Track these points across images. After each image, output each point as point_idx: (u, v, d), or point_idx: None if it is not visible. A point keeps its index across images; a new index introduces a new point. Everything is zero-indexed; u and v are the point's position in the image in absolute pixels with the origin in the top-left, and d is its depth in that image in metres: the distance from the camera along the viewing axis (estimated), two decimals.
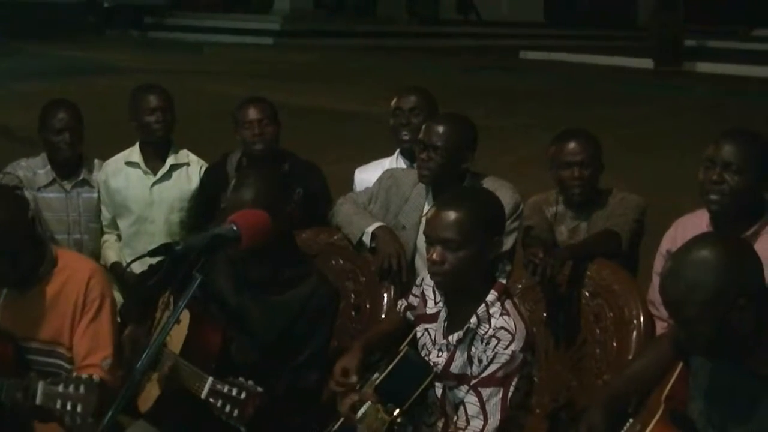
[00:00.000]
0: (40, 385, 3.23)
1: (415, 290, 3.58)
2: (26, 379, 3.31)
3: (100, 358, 3.61)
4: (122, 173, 5.12)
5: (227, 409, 3.16)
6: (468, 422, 3.18)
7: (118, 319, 3.78)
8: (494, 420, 3.16)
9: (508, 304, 3.24)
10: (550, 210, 4.40)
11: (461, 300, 3.27)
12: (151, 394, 3.46)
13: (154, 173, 5.10)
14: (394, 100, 4.84)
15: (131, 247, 5.10)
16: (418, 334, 3.44)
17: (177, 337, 3.44)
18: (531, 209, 4.43)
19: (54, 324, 3.63)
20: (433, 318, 3.40)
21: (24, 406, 3.28)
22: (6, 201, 3.55)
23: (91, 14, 27.61)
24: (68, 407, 3.17)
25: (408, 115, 4.75)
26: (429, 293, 3.45)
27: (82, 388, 3.17)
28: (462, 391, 3.25)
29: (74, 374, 3.29)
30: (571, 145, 4.28)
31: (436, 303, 3.41)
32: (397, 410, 3.22)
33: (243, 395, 3.16)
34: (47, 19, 25.21)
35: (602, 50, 23.90)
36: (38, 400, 3.23)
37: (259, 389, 3.19)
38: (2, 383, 3.33)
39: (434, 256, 3.18)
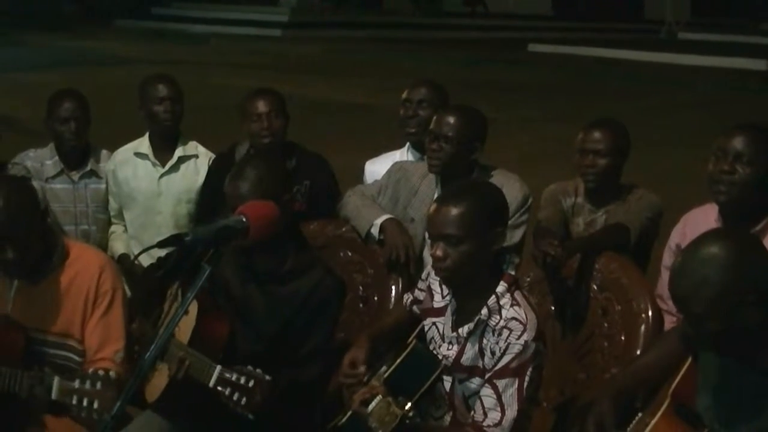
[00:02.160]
0: (56, 380, 3.25)
1: (421, 284, 3.57)
2: (42, 372, 3.32)
3: (113, 351, 3.61)
4: (130, 164, 5.12)
5: (235, 397, 3.16)
6: (485, 415, 3.18)
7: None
8: (512, 411, 3.16)
9: (517, 295, 3.25)
10: (568, 201, 4.38)
11: (469, 293, 3.27)
12: (158, 384, 3.47)
13: (163, 165, 5.09)
14: (405, 92, 4.83)
15: (138, 239, 5.09)
16: (426, 328, 3.44)
17: (185, 327, 3.45)
18: (547, 198, 4.42)
19: (65, 316, 3.63)
20: (440, 312, 3.39)
21: (37, 398, 3.29)
22: (17, 190, 3.55)
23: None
24: (84, 403, 3.18)
25: (416, 107, 4.74)
26: (435, 287, 3.45)
27: (98, 384, 3.18)
28: (473, 384, 3.26)
29: (90, 369, 3.30)
30: (595, 133, 4.25)
31: (443, 296, 3.41)
32: (409, 404, 3.21)
33: (251, 383, 3.16)
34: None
35: (612, 43, 23.88)
36: (53, 395, 3.25)
37: (267, 377, 3.19)
38: (20, 375, 3.35)
39: (437, 252, 3.18)
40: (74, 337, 3.64)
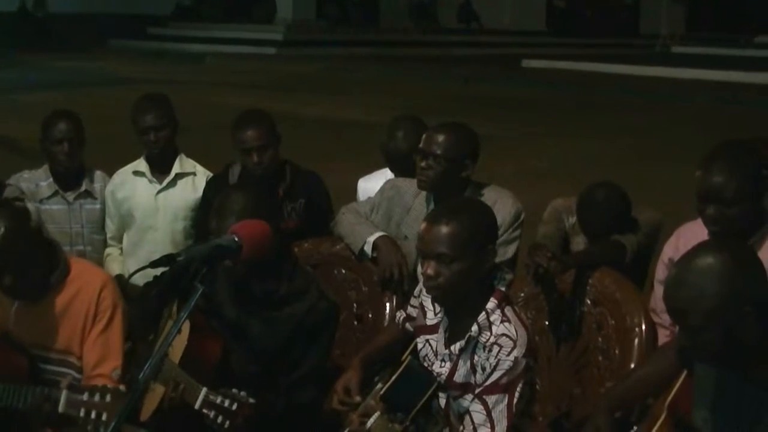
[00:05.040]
0: (64, 393, 3.25)
1: (414, 301, 3.57)
2: (48, 387, 3.33)
3: (110, 368, 3.62)
4: (129, 183, 5.12)
5: (219, 419, 3.17)
6: (475, 430, 3.19)
7: None
8: (501, 427, 3.17)
9: (508, 311, 3.25)
10: (571, 219, 4.38)
11: (461, 310, 3.27)
12: (150, 403, 3.47)
13: (160, 182, 5.09)
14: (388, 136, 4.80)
15: (134, 256, 5.09)
16: (419, 346, 3.45)
17: (177, 347, 3.45)
18: (551, 214, 4.43)
19: (66, 334, 3.65)
20: (433, 329, 3.40)
21: (43, 414, 3.29)
22: (11, 217, 3.54)
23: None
24: (92, 415, 3.18)
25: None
26: (428, 304, 3.45)
27: (108, 397, 3.18)
28: (466, 400, 3.26)
29: (98, 384, 3.30)
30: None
31: (435, 314, 3.41)
32: (408, 420, 3.22)
33: (234, 406, 3.16)
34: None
35: (607, 58, 23.97)
36: (61, 408, 3.25)
37: (251, 400, 3.19)
38: (26, 390, 3.37)
39: (428, 270, 3.18)
40: (75, 354, 3.66)
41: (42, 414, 3.32)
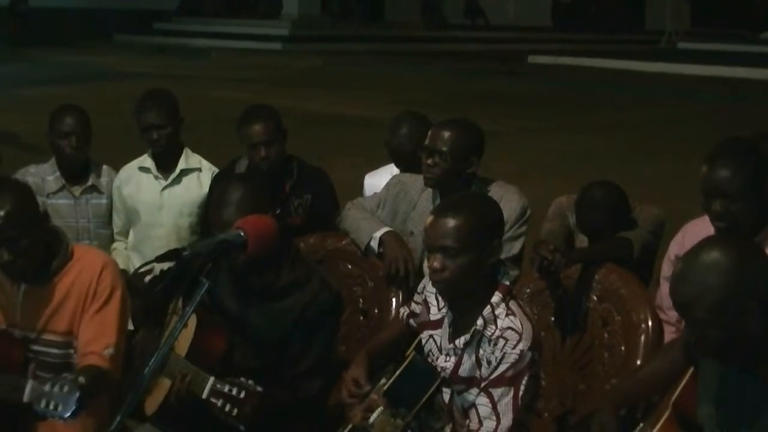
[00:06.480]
0: (29, 384, 3.27)
1: (417, 297, 3.57)
2: (22, 377, 3.35)
3: (103, 345, 3.61)
4: (134, 179, 5.13)
5: (227, 408, 3.18)
6: (481, 423, 3.20)
7: (131, 327, 3.81)
8: (507, 420, 3.17)
9: (513, 305, 3.26)
10: (575, 216, 4.38)
11: (465, 304, 3.28)
12: (156, 397, 3.47)
13: (165, 178, 5.10)
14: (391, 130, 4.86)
15: (140, 252, 5.09)
16: (423, 341, 3.45)
17: (183, 341, 3.46)
18: (555, 211, 4.43)
19: (69, 315, 3.67)
20: (437, 324, 3.40)
21: (11, 404, 3.31)
22: (13, 192, 3.57)
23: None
24: (51, 406, 3.18)
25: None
26: (432, 300, 3.45)
27: (65, 388, 3.18)
28: (471, 395, 3.26)
29: (63, 375, 3.30)
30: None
31: (439, 309, 3.42)
32: (410, 415, 3.22)
33: (242, 394, 3.17)
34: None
35: (612, 54, 23.95)
36: (25, 398, 3.27)
37: (259, 388, 3.19)
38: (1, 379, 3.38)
39: (434, 263, 3.19)
40: (77, 334, 3.67)
41: (10, 403, 3.33)
